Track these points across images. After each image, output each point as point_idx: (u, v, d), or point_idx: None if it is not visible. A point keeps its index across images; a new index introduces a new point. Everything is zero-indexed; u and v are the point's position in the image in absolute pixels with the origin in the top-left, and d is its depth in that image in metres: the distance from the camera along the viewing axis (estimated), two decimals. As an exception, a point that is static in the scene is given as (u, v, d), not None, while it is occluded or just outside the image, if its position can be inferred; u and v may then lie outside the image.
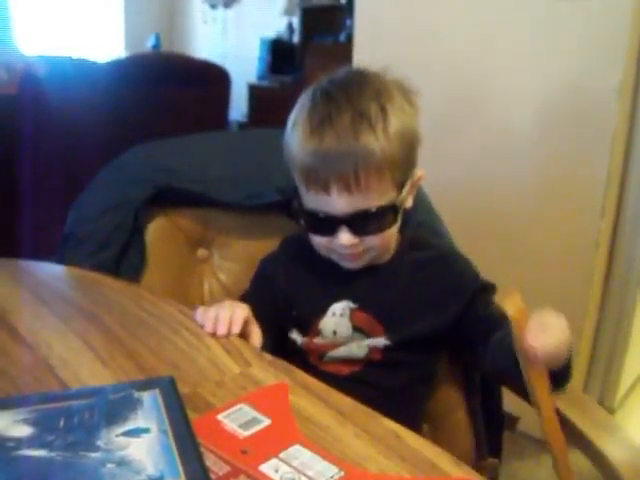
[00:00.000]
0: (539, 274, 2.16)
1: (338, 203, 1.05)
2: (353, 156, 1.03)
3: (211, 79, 3.62)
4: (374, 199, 1.06)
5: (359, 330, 1.16)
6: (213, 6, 6.29)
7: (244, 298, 1.23)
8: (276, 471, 0.70)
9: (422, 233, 1.30)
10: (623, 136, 2.01)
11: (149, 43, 5.99)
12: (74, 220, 1.35)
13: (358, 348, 1.16)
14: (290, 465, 0.71)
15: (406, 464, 0.73)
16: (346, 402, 0.85)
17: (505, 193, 2.19)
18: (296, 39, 5.43)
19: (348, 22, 4.33)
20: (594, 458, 1.05)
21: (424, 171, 1.20)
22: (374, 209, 1.06)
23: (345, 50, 2.59)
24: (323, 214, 1.08)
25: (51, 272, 1.29)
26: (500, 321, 1.14)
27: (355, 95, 1.07)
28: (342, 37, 4.59)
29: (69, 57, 3.23)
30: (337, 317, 1.16)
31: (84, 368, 0.89)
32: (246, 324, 1.07)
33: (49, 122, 2.81)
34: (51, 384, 0.85)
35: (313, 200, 1.08)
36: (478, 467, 1.25)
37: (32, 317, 1.05)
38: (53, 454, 0.66)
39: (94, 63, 3.26)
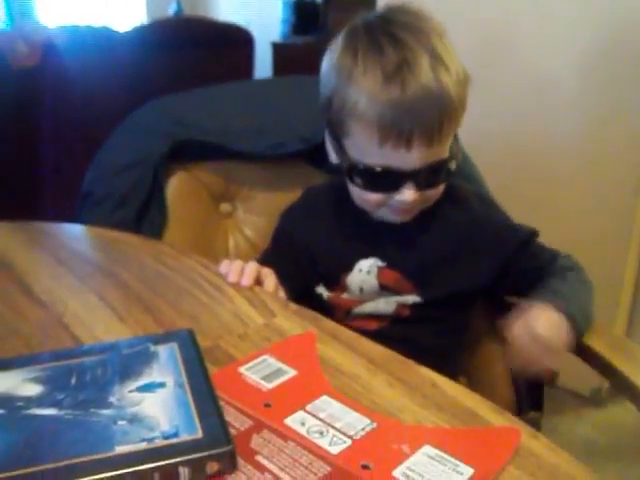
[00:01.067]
0: (578, 223, 2.10)
1: (416, 157, 0.97)
2: (438, 103, 0.95)
3: (235, 41, 3.56)
4: (444, 151, 1.01)
5: (387, 288, 1.11)
6: (234, -31, 6.20)
7: (264, 256, 1.19)
8: (302, 424, 0.65)
9: (457, 182, 1.23)
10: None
11: (171, 9, 5.92)
12: (92, 179, 1.31)
13: (386, 304, 1.12)
14: (317, 417, 0.66)
15: (444, 413, 0.68)
16: (378, 350, 0.80)
17: (541, 144, 2.12)
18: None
19: (372, -26, 4.24)
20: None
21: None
22: (442, 162, 1.01)
23: (369, 2, 2.51)
24: (389, 170, 0.99)
25: (69, 232, 1.25)
26: (548, 267, 1.11)
27: (421, 35, 0.98)
28: (367, -7, 4.49)
29: (90, 27, 3.18)
30: (364, 274, 1.11)
31: (100, 325, 0.85)
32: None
33: (71, 93, 2.79)
34: (65, 342, 0.81)
35: (386, 156, 0.98)
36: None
37: (49, 277, 1.02)
38: (62, 412, 0.63)
39: (115, 32, 3.21)
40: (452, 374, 0.81)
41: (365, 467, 0.59)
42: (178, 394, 0.64)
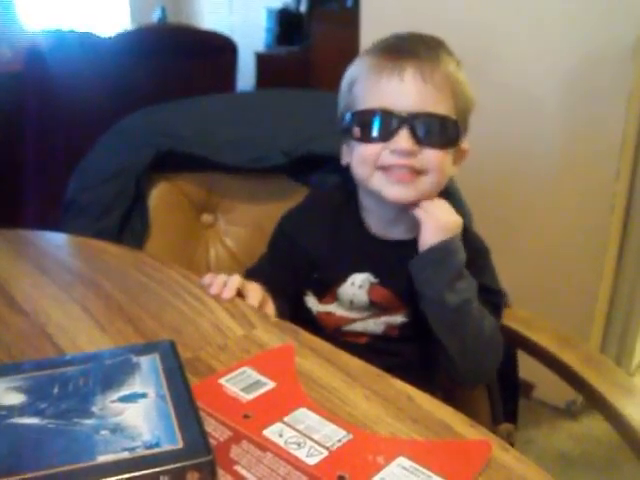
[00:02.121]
0: (554, 237, 2.12)
1: (410, 92, 1.00)
2: (435, 52, 1.03)
3: (218, 49, 3.57)
4: (442, 107, 1.02)
5: (376, 305, 1.12)
6: (219, -23, 6.21)
7: (261, 261, 1.20)
8: (280, 435, 0.66)
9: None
10: (639, 96, 1.95)
11: (155, 16, 5.92)
12: (75, 188, 1.32)
13: (375, 325, 1.13)
14: (295, 429, 0.67)
15: (418, 426, 0.70)
16: (355, 363, 0.82)
17: (518, 158, 2.14)
18: (303, 8, 5.35)
19: (355, -14, 4.27)
20: (613, 420, 1.01)
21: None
22: (441, 115, 1.02)
23: (352, 15, 2.54)
24: (385, 112, 1.01)
25: (52, 241, 1.26)
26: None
27: (427, 40, 1.07)
28: (349, 2, 4.51)
29: (74, 32, 3.18)
30: (356, 288, 1.12)
31: (82, 335, 0.86)
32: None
33: (55, 98, 2.78)
34: (48, 352, 0.82)
35: (380, 94, 1.02)
36: (493, 432, 1.22)
37: (31, 286, 1.03)
38: (45, 422, 0.63)
39: (100, 37, 3.21)
40: (433, 389, 0.83)
41: (341, 478, 0.61)
42: (159, 405, 0.65)
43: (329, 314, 1.14)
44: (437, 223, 1.04)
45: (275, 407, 0.71)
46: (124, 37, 3.46)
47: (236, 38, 3.67)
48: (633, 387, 1.07)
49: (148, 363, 0.73)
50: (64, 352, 0.82)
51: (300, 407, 0.71)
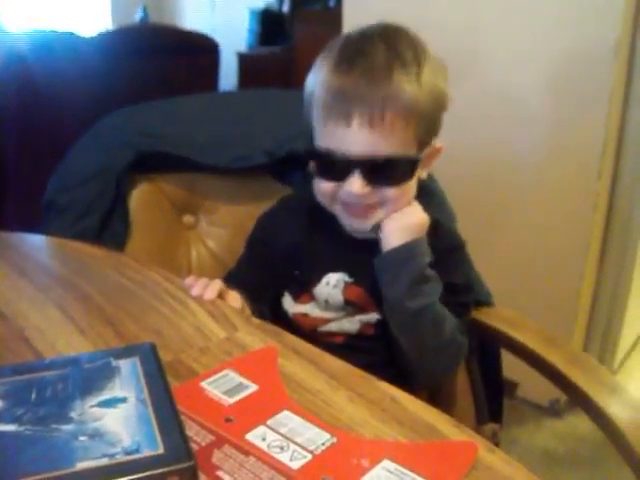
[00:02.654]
0: (537, 237, 2.13)
1: (357, 138, 0.98)
2: (384, 91, 0.97)
3: (200, 50, 3.56)
4: (394, 146, 0.99)
5: (351, 304, 1.11)
6: (201, -23, 6.19)
7: (239, 265, 1.20)
8: (263, 439, 0.66)
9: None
10: (620, 97, 1.96)
11: (137, 16, 5.89)
12: (55, 189, 1.30)
13: (350, 324, 1.12)
14: (278, 432, 0.67)
15: (403, 428, 0.69)
16: (338, 365, 0.81)
17: (502, 158, 2.15)
18: (285, 8, 5.34)
19: (337, -14, 4.26)
20: (597, 419, 1.01)
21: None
22: (392, 157, 0.99)
23: (335, 15, 2.53)
24: (338, 154, 1.00)
25: (31, 243, 1.24)
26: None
27: (392, 37, 1.02)
28: (331, 2, 4.50)
29: (54, 31, 3.15)
30: (331, 287, 1.11)
31: (61, 338, 0.85)
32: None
33: (35, 98, 2.76)
34: (26, 355, 0.81)
35: (330, 136, 1.01)
36: (478, 432, 1.22)
37: (9, 288, 1.01)
38: (22, 428, 0.62)
39: (81, 37, 3.19)
40: (412, 387, 0.83)
41: None
42: (140, 409, 0.64)
43: (305, 316, 1.13)
44: (399, 224, 1.04)
45: (258, 410, 0.70)
46: (106, 37, 3.44)
47: (218, 38, 3.66)
48: (616, 385, 1.08)
49: (128, 367, 0.72)
50: (43, 356, 0.80)
51: (283, 410, 0.70)
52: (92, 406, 0.65)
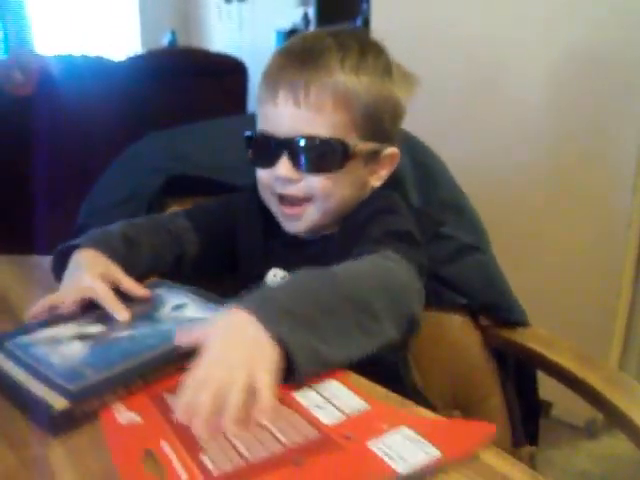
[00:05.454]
0: (572, 255, 2.10)
1: (283, 118, 0.99)
2: (311, 71, 0.98)
3: (228, 72, 3.58)
4: (323, 126, 0.98)
5: None
6: (228, 1, 6.25)
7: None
8: (306, 397, 0.71)
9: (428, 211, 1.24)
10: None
11: (165, 39, 5.96)
12: (87, 212, 1.32)
13: None
14: (321, 395, 0.72)
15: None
16: (361, 383, 0.79)
17: (535, 174, 2.13)
18: (312, 29, 5.37)
19: (364, 5, 4.28)
20: (636, 439, 0.99)
21: (443, 153, 1.13)
22: (320, 138, 0.98)
23: (363, 31, 2.54)
24: (268, 136, 1.01)
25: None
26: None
27: (343, 33, 1.03)
28: (358, 22, 4.52)
29: (85, 56, 3.20)
30: (278, 279, 1.09)
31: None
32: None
33: (65, 122, 2.79)
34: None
35: (262, 118, 1.03)
36: (515, 455, 1.20)
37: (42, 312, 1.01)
38: (134, 332, 0.85)
39: (110, 61, 3.23)
40: (403, 391, 0.78)
41: (347, 437, 0.65)
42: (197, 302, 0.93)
43: None
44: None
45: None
46: (135, 61, 3.47)
47: (246, 59, 3.68)
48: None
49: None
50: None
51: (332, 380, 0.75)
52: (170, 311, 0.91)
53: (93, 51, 4.47)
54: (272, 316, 0.72)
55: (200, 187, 1.31)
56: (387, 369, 1.03)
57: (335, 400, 0.71)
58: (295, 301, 0.76)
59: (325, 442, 0.64)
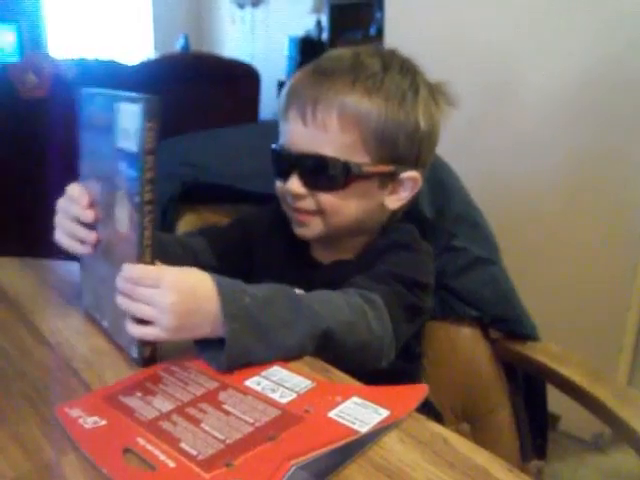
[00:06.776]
0: (581, 269, 2.10)
1: (294, 135, 1.02)
2: (319, 90, 1.00)
3: (241, 77, 3.60)
4: (329, 145, 1.00)
5: None
6: (241, 6, 6.28)
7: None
8: (258, 384, 0.79)
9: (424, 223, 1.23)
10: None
11: (178, 44, 5.99)
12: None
13: None
14: (270, 380, 0.80)
15: (455, 472, 0.67)
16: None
17: (545, 188, 2.12)
18: (325, 36, 5.39)
19: (378, 15, 4.29)
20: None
21: (453, 165, 1.12)
22: (326, 157, 0.99)
23: (376, 43, 2.54)
24: (283, 151, 1.04)
25: (76, 271, 1.25)
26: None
27: (366, 53, 1.05)
28: (372, 30, 4.53)
29: (98, 60, 3.22)
30: None
31: (109, 369, 0.85)
32: None
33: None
34: (74, 387, 0.81)
35: (281, 132, 1.07)
36: (523, 470, 1.20)
37: (56, 317, 1.01)
38: None
39: (123, 65, 3.25)
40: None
41: (307, 411, 0.73)
42: None
43: None
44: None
45: (253, 369, 0.82)
46: (148, 65, 3.49)
47: (258, 66, 3.70)
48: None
49: None
50: (90, 387, 0.80)
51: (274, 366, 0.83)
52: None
53: (106, 55, 4.49)
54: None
55: (213, 194, 1.32)
56: (404, 377, 1.06)
57: (284, 383, 0.79)
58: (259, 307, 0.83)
59: (290, 417, 0.72)
